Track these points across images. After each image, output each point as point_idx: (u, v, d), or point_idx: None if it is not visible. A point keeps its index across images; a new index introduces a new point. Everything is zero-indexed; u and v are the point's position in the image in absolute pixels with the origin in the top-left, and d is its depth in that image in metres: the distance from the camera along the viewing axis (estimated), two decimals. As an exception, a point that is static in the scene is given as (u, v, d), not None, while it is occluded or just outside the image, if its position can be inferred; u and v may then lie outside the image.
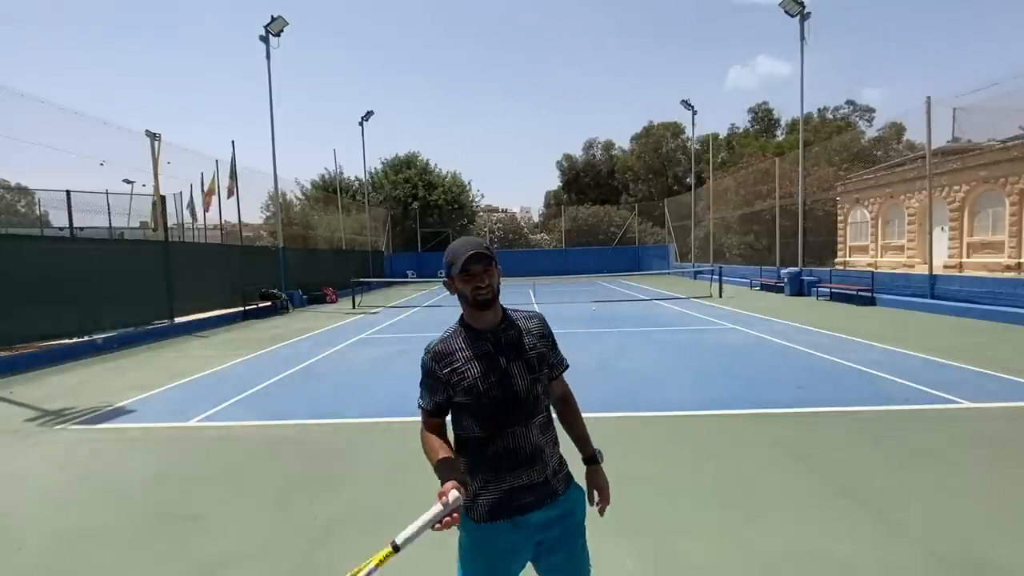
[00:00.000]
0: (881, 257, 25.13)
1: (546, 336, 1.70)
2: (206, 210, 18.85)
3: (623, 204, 44.39)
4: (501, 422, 1.55)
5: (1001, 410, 5.28)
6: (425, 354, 1.62)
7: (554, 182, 55.39)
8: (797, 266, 19.68)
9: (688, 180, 41.05)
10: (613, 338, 10.41)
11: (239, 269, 16.66)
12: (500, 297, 1.63)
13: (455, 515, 1.38)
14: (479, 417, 1.56)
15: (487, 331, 1.59)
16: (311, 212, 29.96)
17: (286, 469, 4.29)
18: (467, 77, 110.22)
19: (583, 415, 1.84)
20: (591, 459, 1.76)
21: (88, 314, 10.75)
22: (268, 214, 29.89)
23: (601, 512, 1.74)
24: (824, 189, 28.33)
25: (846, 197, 27.69)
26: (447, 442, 1.56)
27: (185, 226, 20.12)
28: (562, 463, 1.68)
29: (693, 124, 31.96)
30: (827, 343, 9.09)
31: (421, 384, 1.63)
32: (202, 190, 18.91)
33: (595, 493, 1.75)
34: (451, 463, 1.48)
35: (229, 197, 18.64)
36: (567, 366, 1.79)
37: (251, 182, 20.33)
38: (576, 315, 14.09)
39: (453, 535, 1.56)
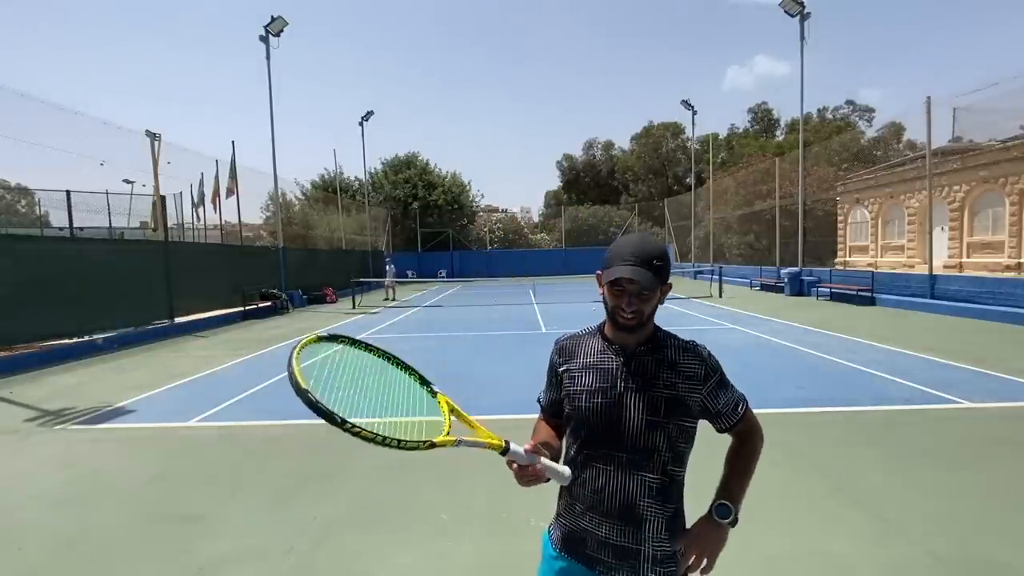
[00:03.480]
0: (881, 257, 25.12)
1: (697, 378, 1.33)
2: (215, 208, 18.88)
3: (623, 204, 44.45)
4: (593, 453, 1.35)
5: (1001, 410, 5.28)
6: (554, 345, 1.49)
7: (554, 182, 55.53)
8: (797, 266, 19.70)
9: (688, 180, 41.07)
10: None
11: (239, 269, 16.65)
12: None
13: (528, 469, 1.27)
14: (576, 435, 1.39)
15: (621, 347, 1.37)
16: (311, 212, 29.95)
17: (286, 469, 4.30)
18: (467, 77, 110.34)
19: None
20: (713, 508, 1.35)
21: (88, 314, 10.74)
22: (268, 214, 29.89)
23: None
24: (824, 189, 28.34)
25: (846, 197, 27.69)
26: (556, 435, 1.46)
27: (185, 226, 20.11)
28: (671, 559, 1.33)
29: (693, 124, 32.04)
30: (827, 343, 9.09)
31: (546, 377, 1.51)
32: (202, 190, 18.91)
33: (685, 547, 1.33)
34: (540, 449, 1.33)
35: (228, 197, 18.66)
36: (742, 413, 1.40)
37: (251, 182, 20.37)
38: (576, 315, 14.09)
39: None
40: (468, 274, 33.51)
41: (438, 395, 1.43)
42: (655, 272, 1.27)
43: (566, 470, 1.34)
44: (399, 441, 1.20)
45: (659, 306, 1.36)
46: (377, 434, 1.17)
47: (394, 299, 20.83)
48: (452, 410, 1.39)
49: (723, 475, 1.42)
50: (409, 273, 33.44)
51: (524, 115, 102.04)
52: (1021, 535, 3.00)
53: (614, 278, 1.27)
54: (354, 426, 1.16)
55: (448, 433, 1.31)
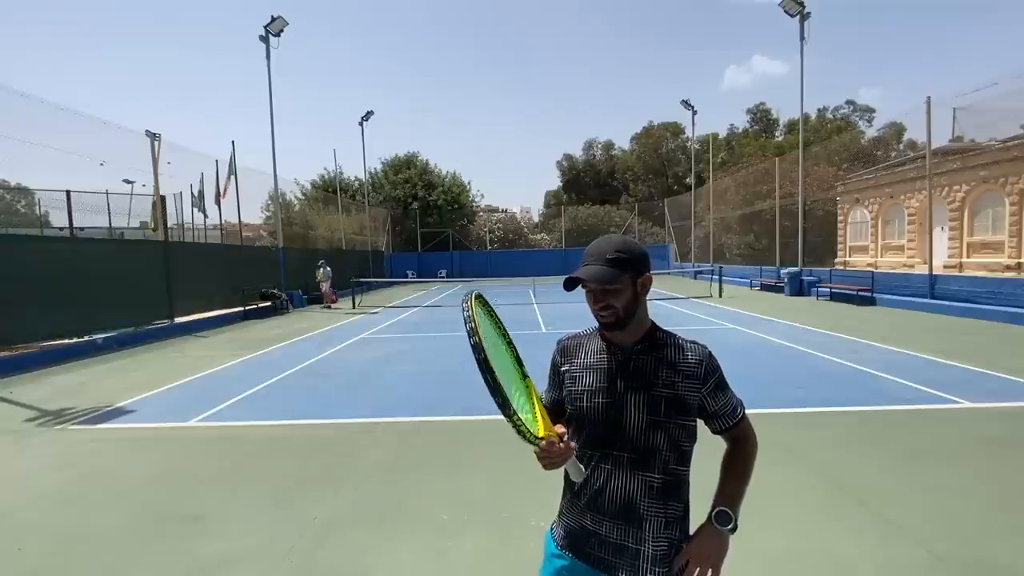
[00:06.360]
0: (881, 257, 25.12)
1: (697, 378, 1.32)
2: (218, 206, 18.79)
3: (623, 204, 44.40)
4: (595, 452, 1.35)
5: (1001, 410, 5.28)
6: (556, 345, 1.50)
7: (554, 182, 55.46)
8: (797, 266, 19.69)
9: (688, 180, 41.06)
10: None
11: (239, 269, 16.65)
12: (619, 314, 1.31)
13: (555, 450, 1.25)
14: (578, 434, 1.39)
15: (619, 346, 1.37)
16: (311, 212, 29.93)
17: (286, 469, 4.30)
18: (467, 77, 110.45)
19: None
20: (713, 515, 1.35)
21: (88, 314, 10.74)
22: (268, 214, 29.84)
23: None
24: (824, 189, 28.34)
25: (846, 197, 27.69)
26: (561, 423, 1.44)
27: (185, 226, 20.08)
28: (668, 559, 1.31)
29: (693, 124, 32.03)
30: (827, 343, 9.08)
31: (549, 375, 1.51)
32: (202, 189, 18.88)
33: (689, 559, 1.32)
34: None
35: (224, 195, 18.62)
36: (739, 418, 1.40)
37: (251, 182, 20.31)
38: (576, 315, 14.07)
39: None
40: (468, 274, 33.52)
41: (528, 379, 1.38)
42: (611, 264, 1.28)
43: (582, 470, 1.34)
44: (537, 438, 1.19)
45: (641, 299, 1.35)
46: (529, 432, 1.17)
47: (329, 306, 18.47)
48: (535, 399, 1.36)
49: (720, 481, 1.41)
50: (409, 273, 33.50)
51: (524, 115, 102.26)
52: (1022, 536, 3.00)
53: (569, 277, 1.30)
54: (518, 421, 1.14)
55: (540, 424, 1.28)
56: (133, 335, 11.57)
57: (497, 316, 1.38)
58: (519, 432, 1.16)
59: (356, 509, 3.56)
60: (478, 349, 1.13)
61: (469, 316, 1.17)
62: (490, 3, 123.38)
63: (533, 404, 1.32)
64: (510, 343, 1.40)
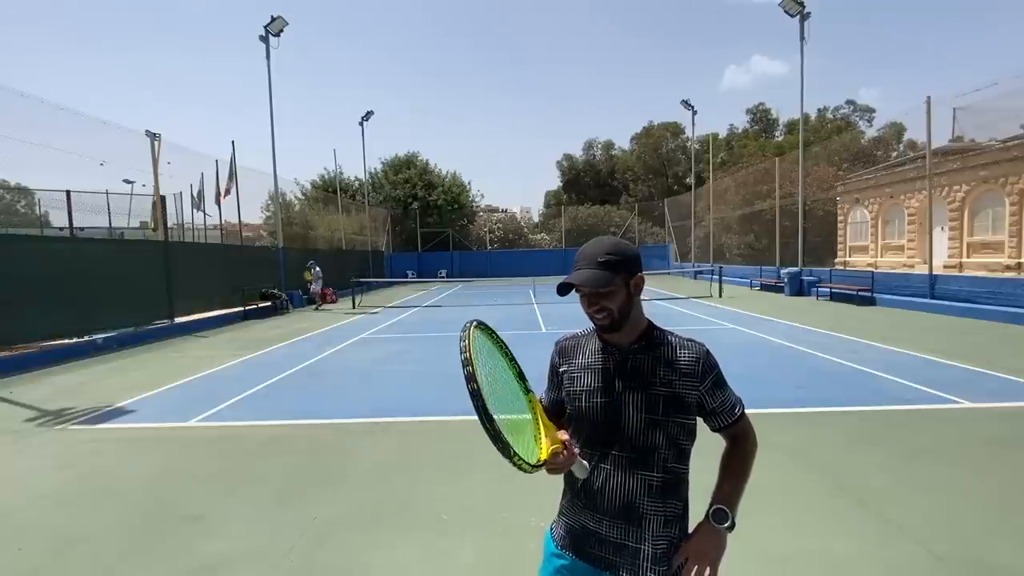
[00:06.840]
0: (881, 257, 25.12)
1: (695, 375, 1.32)
2: (218, 206, 18.78)
3: (623, 204, 44.38)
4: (594, 452, 1.35)
5: (1001, 410, 5.28)
6: (554, 346, 1.51)
7: (554, 182, 55.46)
8: (797, 266, 19.68)
9: (688, 180, 41.05)
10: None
11: (239, 269, 16.65)
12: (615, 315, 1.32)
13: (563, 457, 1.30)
14: (577, 434, 1.39)
15: (616, 347, 1.37)
16: (311, 212, 29.91)
17: (286, 469, 4.29)
18: (467, 77, 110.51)
19: None
20: (710, 513, 1.35)
21: (88, 314, 10.73)
22: (268, 214, 29.83)
23: None
24: (824, 189, 28.33)
25: (846, 197, 27.69)
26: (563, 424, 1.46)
27: (185, 226, 20.07)
28: (667, 558, 1.31)
29: (693, 124, 32.02)
30: (827, 343, 9.08)
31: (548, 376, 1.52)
32: (202, 190, 18.89)
33: (686, 557, 1.32)
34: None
35: (226, 196, 18.63)
36: (738, 416, 1.39)
37: (251, 182, 20.30)
38: (576, 315, 14.06)
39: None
40: (468, 274, 33.51)
41: (530, 394, 1.41)
42: (602, 267, 1.28)
43: (586, 466, 1.36)
44: (532, 466, 1.22)
45: (635, 299, 1.34)
46: (528, 466, 1.20)
47: (320, 305, 18.72)
48: (537, 412, 1.38)
49: (718, 479, 1.41)
50: (409, 273, 33.54)
51: (524, 115, 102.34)
52: (1022, 536, 3.00)
53: (561, 283, 1.31)
54: (519, 461, 1.18)
55: (544, 441, 1.31)
56: (133, 335, 11.57)
57: (498, 336, 1.42)
58: (520, 469, 1.20)
59: (356, 509, 3.56)
60: (476, 396, 1.17)
61: (465, 349, 1.21)
62: (491, 3, 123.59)
63: (537, 420, 1.35)
64: (512, 359, 1.43)
